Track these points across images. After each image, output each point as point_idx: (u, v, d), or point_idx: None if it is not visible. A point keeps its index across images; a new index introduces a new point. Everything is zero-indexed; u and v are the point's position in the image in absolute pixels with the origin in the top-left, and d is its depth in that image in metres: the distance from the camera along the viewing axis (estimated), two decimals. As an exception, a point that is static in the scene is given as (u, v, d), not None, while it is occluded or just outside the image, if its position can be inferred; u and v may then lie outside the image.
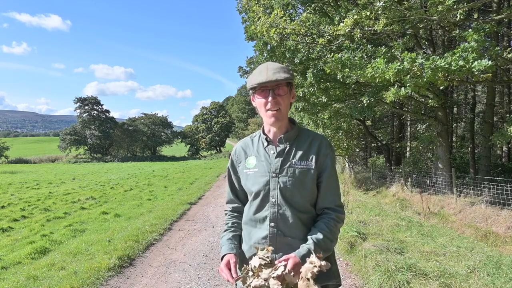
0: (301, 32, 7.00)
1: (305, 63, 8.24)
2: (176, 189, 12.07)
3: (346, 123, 12.27)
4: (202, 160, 43.12)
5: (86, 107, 47.50)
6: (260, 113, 1.42)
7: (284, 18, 6.72)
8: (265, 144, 1.46)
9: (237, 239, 1.48)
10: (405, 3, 5.88)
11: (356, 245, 4.61)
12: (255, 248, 1.22)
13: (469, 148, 12.43)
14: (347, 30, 5.86)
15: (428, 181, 9.25)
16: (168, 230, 6.19)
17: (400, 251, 4.24)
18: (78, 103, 47.41)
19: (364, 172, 13.94)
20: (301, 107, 9.86)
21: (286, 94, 1.38)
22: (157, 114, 54.85)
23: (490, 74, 6.54)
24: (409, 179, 9.70)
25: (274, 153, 1.43)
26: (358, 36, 5.94)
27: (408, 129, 15.34)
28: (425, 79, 5.12)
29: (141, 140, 50.48)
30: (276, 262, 1.16)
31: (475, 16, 5.67)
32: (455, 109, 14.93)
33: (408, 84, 5.34)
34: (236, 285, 1.21)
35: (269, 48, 8.52)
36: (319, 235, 1.29)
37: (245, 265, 1.19)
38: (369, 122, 14.48)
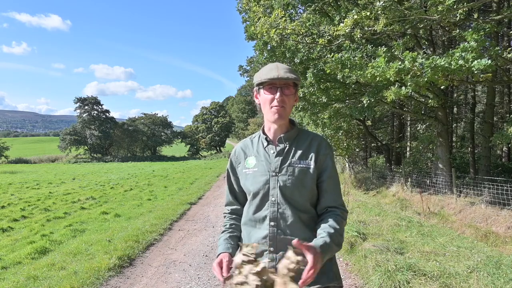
0: (301, 32, 7.00)
1: (305, 63, 8.24)
2: (176, 189, 12.07)
3: (346, 123, 12.27)
4: (202, 160, 43.13)
5: (86, 107, 47.52)
6: (263, 109, 1.43)
7: (284, 18, 6.71)
8: (265, 144, 1.46)
9: (234, 240, 1.48)
10: (405, 3, 5.87)
11: (356, 245, 4.61)
12: (245, 245, 1.22)
13: (469, 148, 12.44)
14: (347, 30, 5.86)
15: (428, 181, 9.25)
16: (168, 230, 6.19)
17: (400, 251, 4.24)
18: (78, 103, 47.42)
19: (364, 172, 13.93)
20: (301, 107, 9.86)
21: (292, 95, 1.39)
22: (157, 114, 54.89)
23: (490, 74, 6.54)
24: (409, 179, 9.70)
25: (274, 152, 1.43)
26: (358, 36, 5.94)
27: (408, 129, 15.34)
28: (425, 79, 5.12)
29: (141, 140, 50.48)
30: (289, 255, 1.13)
31: (475, 16, 5.66)
32: (455, 109, 14.93)
33: (408, 84, 5.34)
34: (224, 283, 1.21)
35: (269, 48, 8.52)
36: (331, 229, 1.29)
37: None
38: (369, 122, 14.48)
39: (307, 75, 7.90)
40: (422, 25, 6.03)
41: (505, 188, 6.61)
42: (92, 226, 6.51)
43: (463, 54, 4.70)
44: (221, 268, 1.29)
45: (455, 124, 16.06)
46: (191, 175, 18.07)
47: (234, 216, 1.57)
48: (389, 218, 6.16)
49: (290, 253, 1.10)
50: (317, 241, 1.23)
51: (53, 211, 8.60)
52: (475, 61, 4.55)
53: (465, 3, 5.13)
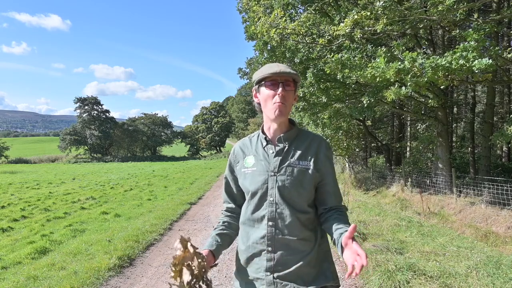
0: (301, 32, 7.00)
1: (305, 63, 8.24)
2: (176, 189, 12.08)
3: (346, 123, 12.27)
4: (202, 160, 43.14)
5: (86, 107, 47.52)
6: (264, 107, 1.42)
7: (284, 18, 6.71)
8: (264, 143, 1.46)
9: (223, 238, 1.48)
10: (405, 3, 5.88)
11: (356, 245, 4.60)
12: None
13: (469, 148, 12.44)
14: (347, 30, 5.86)
15: (428, 181, 9.25)
16: (168, 230, 6.19)
17: (400, 251, 4.24)
18: (78, 103, 47.43)
19: (364, 172, 13.93)
20: (301, 107, 9.86)
21: (292, 92, 1.39)
22: (157, 114, 54.89)
23: (490, 74, 6.54)
24: (409, 179, 9.70)
25: (273, 152, 1.43)
26: (358, 36, 5.94)
27: (408, 129, 15.34)
28: (425, 79, 5.12)
29: (141, 140, 50.49)
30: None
31: (475, 16, 5.67)
32: (455, 109, 14.93)
33: (408, 84, 5.34)
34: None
35: (269, 48, 8.52)
36: (348, 225, 1.31)
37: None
38: (369, 122, 14.48)
39: (307, 75, 7.90)
40: (422, 25, 6.03)
41: (505, 188, 6.61)
42: (92, 226, 6.50)
43: (463, 53, 4.69)
44: None
45: (455, 124, 16.06)
46: (191, 175, 18.07)
47: (228, 214, 1.57)
48: (389, 218, 6.16)
49: (176, 243, 1.16)
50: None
51: (53, 211, 8.60)
52: (476, 61, 4.55)
53: (465, 3, 5.13)
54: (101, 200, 10.14)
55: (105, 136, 46.83)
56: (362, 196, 9.60)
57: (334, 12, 7.52)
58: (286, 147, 1.42)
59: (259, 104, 1.45)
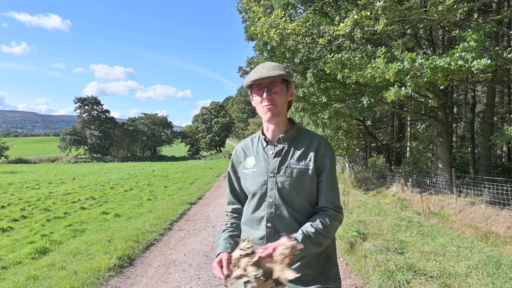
0: (301, 32, 7.00)
1: (305, 63, 8.24)
2: (176, 189, 12.08)
3: (346, 123, 12.26)
4: (202, 160, 43.13)
5: (86, 107, 47.52)
6: (258, 111, 1.43)
7: (284, 18, 6.71)
8: (264, 144, 1.46)
9: (234, 239, 1.47)
10: (405, 3, 5.88)
11: (356, 245, 4.61)
12: (237, 240, 1.23)
13: (469, 148, 12.44)
14: (347, 30, 5.86)
15: (428, 181, 9.25)
16: (168, 230, 6.19)
17: (400, 251, 4.24)
18: (78, 103, 47.43)
19: (364, 172, 13.93)
20: (301, 107, 9.86)
21: (282, 91, 1.38)
22: (157, 114, 54.87)
23: (490, 74, 6.54)
24: (409, 179, 9.70)
25: (272, 153, 1.42)
26: (358, 36, 5.94)
27: (408, 129, 15.34)
28: (425, 79, 5.12)
29: (141, 140, 50.48)
30: (259, 249, 1.15)
31: (475, 16, 5.67)
32: (455, 109, 14.93)
33: (408, 84, 5.34)
34: (225, 280, 1.21)
35: (269, 48, 8.52)
36: (310, 228, 1.27)
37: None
38: (369, 122, 14.48)
39: (307, 75, 7.90)
40: (422, 25, 6.03)
41: (505, 188, 6.61)
42: (92, 226, 6.51)
43: (462, 54, 4.69)
44: (221, 267, 1.29)
45: (455, 124, 16.06)
46: (191, 175, 18.07)
47: (235, 215, 1.57)
48: (389, 218, 6.16)
49: (284, 239, 1.11)
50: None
51: (53, 211, 8.60)
52: (475, 61, 4.54)
53: (465, 3, 5.13)
54: (101, 200, 10.14)
55: (105, 136, 46.83)
56: (362, 196, 9.60)
57: (334, 12, 7.52)
58: (286, 148, 1.42)
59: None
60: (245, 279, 1.07)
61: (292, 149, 1.42)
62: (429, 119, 9.26)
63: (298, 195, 1.36)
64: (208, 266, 4.25)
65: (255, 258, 1.08)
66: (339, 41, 6.89)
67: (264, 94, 1.35)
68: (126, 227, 6.16)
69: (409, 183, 9.53)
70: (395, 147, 13.69)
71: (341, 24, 5.88)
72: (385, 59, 5.46)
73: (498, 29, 6.63)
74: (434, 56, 5.07)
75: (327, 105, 9.48)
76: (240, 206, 1.56)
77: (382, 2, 5.38)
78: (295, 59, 8.09)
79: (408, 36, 7.89)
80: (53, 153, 52.18)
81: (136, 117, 54.54)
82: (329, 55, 6.67)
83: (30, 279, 3.76)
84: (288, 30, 6.70)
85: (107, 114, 48.88)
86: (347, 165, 15.64)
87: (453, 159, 11.26)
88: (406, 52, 5.40)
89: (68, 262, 4.33)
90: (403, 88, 5.57)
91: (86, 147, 47.49)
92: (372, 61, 5.88)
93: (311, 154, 1.39)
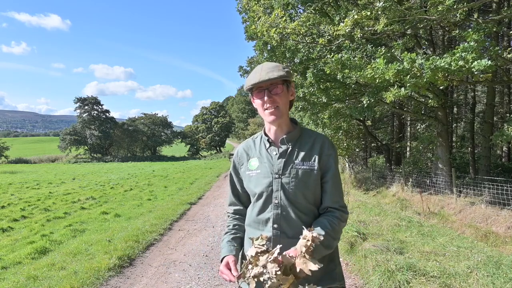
0: (301, 32, 7.00)
1: (305, 63, 8.24)
2: (176, 189, 12.07)
3: (346, 123, 12.27)
4: (202, 160, 43.12)
5: (86, 107, 47.52)
6: (259, 113, 1.43)
7: (284, 18, 6.71)
8: (267, 145, 1.45)
9: (237, 241, 1.47)
10: (405, 3, 5.88)
11: (356, 245, 4.61)
12: (250, 239, 1.21)
13: (469, 148, 12.44)
14: (347, 30, 5.86)
15: (428, 181, 9.25)
16: (168, 230, 6.19)
17: (400, 251, 4.24)
18: (78, 103, 47.43)
19: (364, 172, 13.93)
20: (301, 107, 9.86)
21: (283, 92, 1.37)
22: (157, 114, 54.88)
23: (490, 74, 6.54)
24: (409, 179, 9.70)
25: (276, 154, 1.42)
26: (358, 36, 5.94)
27: (408, 129, 15.34)
28: (425, 79, 5.12)
29: (141, 140, 50.49)
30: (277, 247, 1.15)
31: (475, 16, 5.67)
32: (455, 109, 14.93)
33: (408, 85, 5.34)
34: (238, 282, 1.20)
35: (269, 48, 8.52)
36: (321, 231, 1.28)
37: (243, 261, 1.18)
38: (369, 122, 14.48)
39: (307, 75, 7.90)
40: (422, 25, 6.03)
41: (505, 188, 6.61)
42: (92, 226, 6.50)
43: (463, 54, 4.69)
44: (229, 269, 1.28)
45: (455, 124, 16.06)
46: (191, 175, 18.07)
47: (237, 216, 1.56)
48: (389, 218, 6.16)
49: (306, 232, 1.11)
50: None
51: (53, 211, 8.60)
52: (475, 62, 4.54)
53: (465, 3, 5.13)
54: (101, 200, 10.14)
55: (105, 136, 46.83)
56: (362, 196, 9.60)
57: (334, 12, 7.52)
58: (290, 149, 1.41)
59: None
60: (266, 276, 1.06)
61: (296, 149, 1.41)
62: (429, 119, 9.26)
63: (304, 196, 1.36)
64: (208, 266, 4.25)
65: (275, 254, 1.07)
66: (339, 41, 6.89)
67: (265, 97, 1.35)
68: (126, 227, 6.16)
69: (409, 183, 9.52)
70: (395, 147, 13.69)
71: (341, 24, 5.88)
72: (385, 60, 5.46)
73: (498, 29, 6.62)
74: (434, 57, 5.07)
75: (327, 105, 9.48)
76: (242, 208, 1.56)
77: (382, 2, 5.38)
78: (295, 59, 8.09)
79: (408, 36, 7.89)
80: (53, 153, 52.18)
81: (136, 117, 54.55)
82: (329, 55, 6.68)
83: (30, 279, 3.76)
84: (288, 30, 6.70)
85: (107, 114, 48.89)
86: (347, 165, 15.64)
87: (453, 159, 11.26)
88: (406, 52, 5.40)
89: (68, 262, 4.33)
90: (402, 89, 5.57)
91: (86, 147, 47.49)
92: (372, 61, 5.88)
93: (316, 155, 1.39)
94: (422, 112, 10.08)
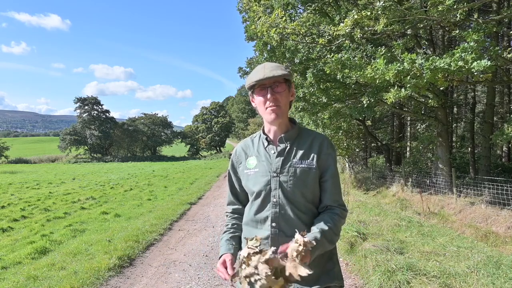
0: (301, 32, 7.00)
1: (305, 63, 8.23)
2: (176, 189, 12.07)
3: (346, 123, 12.27)
4: (202, 160, 43.13)
5: (86, 107, 47.53)
6: (260, 112, 1.42)
7: (284, 18, 6.71)
8: (266, 144, 1.45)
9: (236, 240, 1.48)
10: (405, 3, 5.88)
11: (356, 245, 4.61)
12: (245, 239, 1.21)
13: (469, 148, 12.44)
14: (347, 30, 5.86)
15: (428, 181, 9.25)
16: (168, 230, 6.19)
17: (400, 251, 4.24)
18: (78, 103, 47.45)
19: (364, 172, 13.94)
20: (301, 107, 9.85)
21: (285, 91, 1.38)
22: (157, 114, 54.88)
23: (490, 74, 6.54)
24: (409, 179, 9.70)
25: (274, 152, 1.42)
26: (358, 36, 5.94)
27: (408, 129, 15.34)
28: (425, 80, 5.12)
29: (141, 140, 50.49)
30: (270, 248, 1.15)
31: (475, 16, 5.67)
32: (455, 109, 14.93)
33: (408, 85, 5.34)
34: (231, 281, 1.20)
35: (269, 48, 8.51)
36: (325, 226, 1.28)
37: (237, 260, 1.18)
38: (369, 122, 14.48)
39: (307, 75, 7.89)
40: (422, 25, 6.03)
41: (505, 188, 6.61)
42: (92, 226, 6.50)
43: (463, 55, 4.69)
44: (226, 268, 1.29)
45: (455, 124, 16.07)
46: (191, 175, 18.07)
47: (235, 215, 1.56)
48: (389, 218, 6.16)
49: (297, 236, 1.11)
50: (308, 236, 1.22)
51: (53, 211, 8.60)
52: (475, 62, 4.54)
53: (465, 3, 5.13)
54: (101, 200, 10.14)
55: (105, 136, 46.83)
56: (362, 196, 9.60)
57: (334, 12, 7.52)
58: (288, 147, 1.42)
59: (257, 107, 1.46)
60: (256, 277, 1.06)
61: (295, 148, 1.42)
62: (429, 119, 9.26)
63: (302, 194, 1.36)
64: (208, 266, 4.25)
65: (267, 256, 1.08)
66: (339, 41, 6.89)
67: (268, 95, 1.34)
68: (126, 227, 6.16)
69: (409, 183, 9.53)
70: (395, 147, 13.69)
71: (341, 24, 5.88)
72: (385, 60, 5.46)
73: (498, 29, 6.63)
74: (434, 57, 5.07)
75: (327, 105, 9.48)
76: (240, 207, 1.56)
77: (382, 2, 5.38)
78: (295, 59, 8.09)
79: (408, 36, 7.89)
80: (53, 153, 52.18)
81: (136, 117, 54.56)
82: (329, 55, 6.67)
83: (30, 279, 3.76)
84: (288, 30, 6.70)
85: (107, 114, 48.89)
86: (347, 165, 15.64)
87: (453, 159, 11.26)
88: (406, 52, 5.40)
89: (68, 262, 4.33)
90: (402, 89, 5.57)
91: (86, 147, 47.50)
92: (372, 61, 5.87)
93: (314, 154, 1.39)
94: (422, 112, 10.08)
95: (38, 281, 3.71)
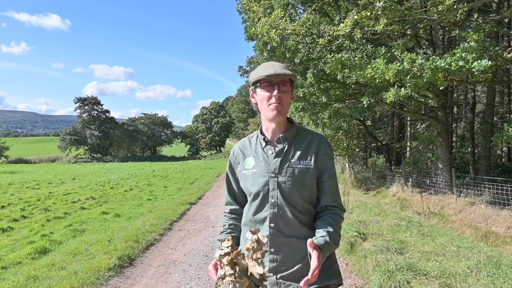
0: (301, 32, 7.00)
1: (305, 63, 8.24)
2: (176, 189, 12.07)
3: (346, 123, 12.27)
4: (202, 160, 43.13)
5: (86, 107, 47.54)
6: (261, 108, 1.41)
7: (284, 18, 6.71)
8: (263, 144, 1.45)
9: (233, 241, 1.48)
10: (405, 3, 5.88)
11: (356, 245, 4.61)
12: (219, 241, 1.22)
13: (469, 148, 12.44)
14: (347, 30, 5.86)
15: (428, 181, 9.25)
16: (168, 230, 6.19)
17: (400, 251, 4.24)
18: (78, 103, 47.45)
19: (364, 172, 13.94)
20: (301, 107, 9.86)
21: (289, 92, 1.38)
22: (157, 114, 54.88)
23: (490, 74, 6.54)
24: (409, 179, 9.70)
25: (272, 153, 1.42)
26: (358, 36, 5.94)
27: (408, 129, 15.34)
28: (425, 80, 5.12)
29: (141, 140, 50.50)
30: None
31: (475, 16, 5.67)
32: (455, 109, 14.93)
33: (408, 85, 5.34)
34: (217, 283, 1.21)
35: (269, 48, 8.52)
36: (330, 228, 1.29)
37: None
38: (369, 122, 14.48)
39: (307, 75, 7.90)
40: (422, 25, 6.03)
41: (505, 188, 6.61)
42: (92, 226, 6.50)
43: (463, 55, 4.70)
44: (217, 270, 1.29)
45: (455, 124, 16.06)
46: (191, 175, 18.07)
47: (233, 216, 1.56)
48: (389, 218, 6.16)
49: (247, 234, 1.12)
50: (318, 240, 1.23)
51: (53, 211, 8.60)
52: (475, 62, 4.54)
53: (465, 3, 5.13)
54: (101, 200, 10.14)
55: (105, 136, 46.83)
56: (362, 196, 9.60)
57: (334, 12, 7.52)
58: (286, 148, 1.41)
59: (256, 104, 1.45)
60: (227, 278, 1.07)
61: (293, 148, 1.41)
62: (429, 119, 9.26)
63: (300, 195, 1.36)
64: (208, 266, 4.26)
65: (230, 257, 1.08)
66: (339, 41, 6.89)
67: (275, 91, 1.34)
68: (126, 227, 6.16)
69: (409, 183, 9.53)
70: (395, 147, 13.69)
71: (341, 24, 5.88)
72: (385, 60, 5.46)
73: (498, 29, 6.62)
74: (434, 57, 5.07)
75: (327, 105, 9.48)
76: (238, 207, 1.56)
77: (382, 2, 5.39)
78: (295, 59, 8.10)
79: (408, 36, 7.89)
80: (53, 153, 52.18)
81: (136, 117, 54.56)
82: (329, 55, 6.68)
83: (30, 279, 3.76)
84: (289, 31, 6.70)
85: (107, 114, 48.90)
86: (347, 165, 15.64)
87: (453, 159, 11.26)
88: (406, 52, 5.40)
89: (68, 262, 4.33)
90: (402, 89, 5.58)
91: (86, 147, 47.50)
92: (372, 61, 5.87)
93: (312, 154, 1.39)
94: (422, 112, 10.08)
95: (38, 281, 3.71)
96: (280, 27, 6.67)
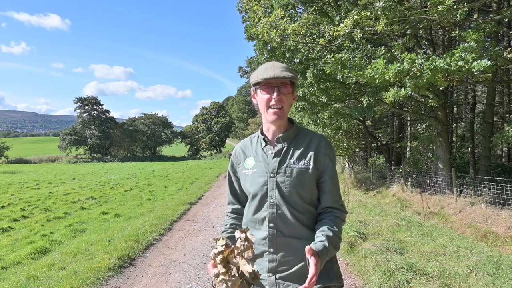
0: (301, 32, 7.00)
1: (305, 63, 8.24)
2: (176, 189, 12.08)
3: (346, 123, 12.27)
4: (202, 160, 43.14)
5: (86, 107, 47.54)
6: (261, 110, 1.41)
7: (284, 19, 6.71)
8: (263, 144, 1.45)
9: (233, 240, 1.47)
10: (405, 3, 5.88)
11: (356, 245, 4.61)
12: (214, 240, 1.23)
13: (469, 148, 12.43)
14: (347, 31, 5.86)
15: (428, 181, 9.24)
16: (168, 230, 6.19)
17: (400, 251, 4.24)
18: (78, 103, 47.45)
19: (364, 172, 13.93)
20: (301, 107, 9.86)
21: (290, 94, 1.38)
22: (157, 114, 54.88)
23: (490, 74, 6.54)
24: (409, 179, 9.70)
25: (272, 153, 1.42)
26: (358, 36, 5.94)
27: (408, 129, 15.34)
28: (424, 80, 5.12)
29: (141, 140, 50.50)
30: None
31: (475, 16, 5.67)
32: (455, 109, 14.92)
33: (408, 85, 5.34)
34: (213, 281, 1.22)
35: (269, 48, 8.52)
36: (329, 232, 1.28)
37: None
38: (369, 122, 14.48)
39: (307, 75, 7.90)
40: (422, 25, 6.03)
41: (505, 188, 6.61)
42: (92, 226, 6.51)
43: (463, 55, 4.69)
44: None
45: (455, 124, 16.06)
46: (191, 175, 18.07)
47: (235, 215, 1.57)
48: (389, 218, 6.16)
49: (237, 233, 1.12)
50: (317, 246, 1.23)
51: (53, 211, 8.60)
52: (475, 62, 4.54)
53: (465, 3, 5.13)
54: (101, 200, 10.14)
55: (105, 136, 46.83)
56: (362, 196, 9.60)
57: (334, 13, 7.52)
58: (285, 148, 1.41)
59: (257, 104, 1.45)
60: (220, 277, 1.08)
61: (292, 148, 1.41)
62: (429, 119, 9.26)
63: (299, 195, 1.36)
64: (208, 266, 4.26)
65: (222, 256, 1.09)
66: (339, 41, 6.89)
67: (275, 94, 1.34)
68: (126, 227, 6.16)
69: (409, 183, 9.52)
70: (395, 147, 13.69)
71: (341, 24, 5.88)
72: (385, 60, 5.46)
73: (498, 29, 6.62)
74: (434, 57, 5.07)
75: (327, 105, 9.48)
76: (240, 207, 1.56)
77: (382, 2, 5.39)
78: (295, 59, 8.09)
79: (408, 36, 7.89)
80: (53, 153, 52.18)
81: (136, 117, 54.56)
82: (329, 55, 6.68)
83: (30, 279, 3.76)
84: (289, 31, 6.70)
85: (107, 114, 48.90)
86: (347, 165, 15.64)
87: (453, 159, 11.26)
88: (406, 52, 5.40)
89: (68, 262, 4.33)
90: (402, 89, 5.58)
91: (86, 147, 47.50)
92: (372, 61, 5.88)
93: (311, 154, 1.39)
94: (422, 112, 10.08)
95: (38, 281, 3.71)
96: (281, 28, 6.67)
